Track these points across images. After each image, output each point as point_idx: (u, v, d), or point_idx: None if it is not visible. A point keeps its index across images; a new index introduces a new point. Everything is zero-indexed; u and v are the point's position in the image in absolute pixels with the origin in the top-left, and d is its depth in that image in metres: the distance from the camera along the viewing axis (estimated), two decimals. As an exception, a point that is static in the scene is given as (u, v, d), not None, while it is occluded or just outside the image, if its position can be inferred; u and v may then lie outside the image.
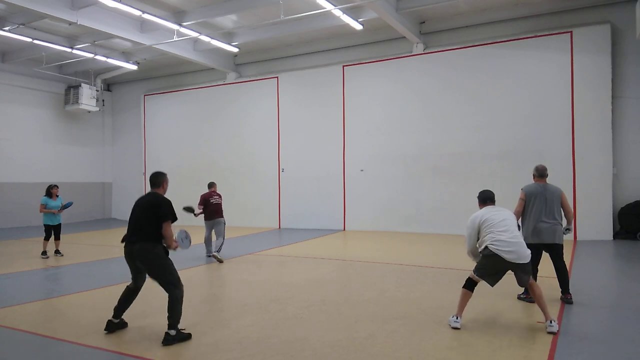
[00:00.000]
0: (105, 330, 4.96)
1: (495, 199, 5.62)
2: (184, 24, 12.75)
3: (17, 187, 16.92)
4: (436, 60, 13.70)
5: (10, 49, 16.22)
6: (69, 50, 14.81)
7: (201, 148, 17.81)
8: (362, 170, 14.61)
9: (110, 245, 12.48)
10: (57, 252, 10.44)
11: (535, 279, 6.30)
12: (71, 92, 17.98)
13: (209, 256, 9.85)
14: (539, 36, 12.41)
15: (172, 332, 4.70)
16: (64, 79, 18.16)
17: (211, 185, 10.73)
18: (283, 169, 16.19)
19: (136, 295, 5.16)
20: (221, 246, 9.69)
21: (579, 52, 11.91)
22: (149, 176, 5.28)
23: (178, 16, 12.82)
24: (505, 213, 5.34)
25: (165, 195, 5.19)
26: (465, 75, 13.27)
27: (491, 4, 12.75)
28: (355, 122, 14.87)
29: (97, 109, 18.64)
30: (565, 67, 12.08)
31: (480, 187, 14.40)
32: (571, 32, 12.02)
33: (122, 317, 5.15)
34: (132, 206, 5.12)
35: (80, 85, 17.81)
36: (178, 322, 4.77)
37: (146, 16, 11.86)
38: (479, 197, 5.58)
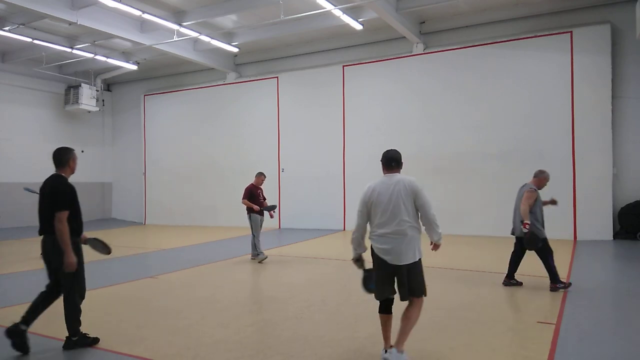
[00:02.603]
0: (10, 340, 4.35)
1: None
2: (184, 24, 12.75)
3: (17, 187, 16.88)
4: (436, 60, 13.70)
5: (10, 49, 16.21)
6: (69, 50, 14.81)
7: (201, 148, 17.81)
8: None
9: (110, 245, 12.45)
10: None
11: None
12: (71, 92, 17.98)
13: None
14: (539, 36, 12.41)
15: (74, 338, 4.49)
16: (64, 79, 18.16)
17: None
18: (283, 169, 16.18)
19: (52, 299, 4.61)
20: (253, 247, 9.51)
21: (579, 52, 11.91)
22: (53, 153, 4.66)
23: (178, 16, 12.82)
24: (398, 190, 3.97)
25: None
26: (465, 75, 13.27)
27: (491, 4, 12.75)
28: (355, 122, 14.87)
29: (97, 109, 18.63)
30: (565, 67, 12.08)
31: (480, 187, 14.52)
32: (571, 32, 12.02)
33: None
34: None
35: (80, 85, 17.81)
36: (78, 326, 4.51)
37: (146, 16, 11.86)
38: (381, 159, 4.25)
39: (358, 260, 4.23)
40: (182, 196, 18.14)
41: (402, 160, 4.20)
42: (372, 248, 4.11)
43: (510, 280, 6.94)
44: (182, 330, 5.05)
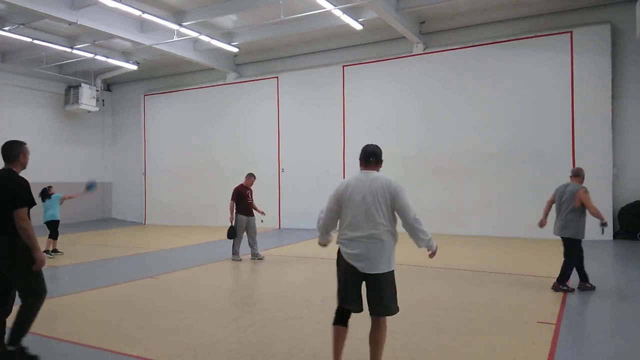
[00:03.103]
0: None
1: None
2: (184, 24, 12.75)
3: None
4: (436, 60, 13.70)
5: (10, 49, 16.21)
6: (69, 50, 14.81)
7: (201, 148, 17.82)
8: None
9: (110, 245, 12.48)
10: (54, 251, 10.50)
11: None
12: (71, 92, 17.98)
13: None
14: (539, 36, 12.41)
15: (12, 348, 3.93)
16: (64, 79, 18.16)
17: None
18: (283, 169, 16.18)
19: (6, 310, 4.18)
20: (250, 247, 9.75)
21: (579, 52, 11.91)
22: (1, 147, 4.17)
23: (178, 16, 12.82)
24: (374, 189, 3.56)
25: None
26: (465, 75, 13.27)
27: (491, 4, 12.75)
28: (355, 122, 14.86)
29: (97, 109, 18.64)
30: (565, 67, 12.08)
31: (480, 187, 14.52)
32: (571, 32, 12.03)
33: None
34: None
35: (80, 85, 17.81)
36: (23, 337, 4.00)
37: (146, 16, 11.86)
38: (360, 155, 3.83)
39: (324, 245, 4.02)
40: (182, 196, 18.14)
41: (383, 158, 3.81)
42: (339, 254, 3.69)
43: (585, 284, 6.61)
44: (182, 330, 5.05)
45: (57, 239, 10.53)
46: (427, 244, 3.64)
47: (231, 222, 9.61)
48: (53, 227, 10.38)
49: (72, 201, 11.02)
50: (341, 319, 3.68)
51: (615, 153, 11.78)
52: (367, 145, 3.83)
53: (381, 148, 3.87)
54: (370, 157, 3.74)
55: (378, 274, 3.52)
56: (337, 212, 3.69)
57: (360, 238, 3.53)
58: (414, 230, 3.59)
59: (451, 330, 4.95)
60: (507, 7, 12.80)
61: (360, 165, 3.80)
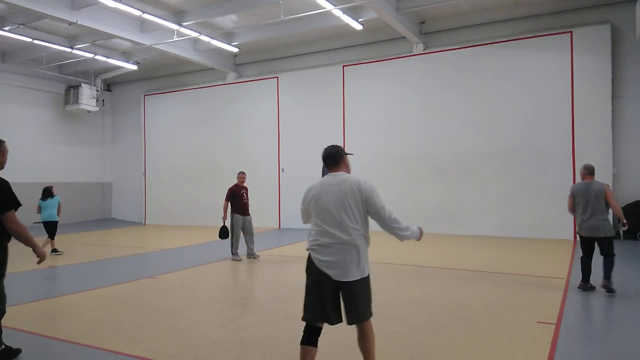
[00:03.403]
0: None
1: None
2: (184, 24, 12.76)
3: (16, 187, 16.75)
4: (436, 60, 13.70)
5: (10, 49, 16.21)
6: (69, 50, 14.82)
7: (201, 148, 17.82)
8: None
9: (110, 245, 12.48)
10: (54, 251, 10.51)
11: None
12: (71, 92, 17.99)
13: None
14: (539, 36, 12.41)
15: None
16: (64, 79, 18.16)
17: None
18: (283, 169, 16.18)
19: (1, 313, 4.07)
20: (247, 246, 9.86)
21: (579, 52, 11.92)
22: None
23: (178, 16, 12.83)
24: (344, 192, 3.37)
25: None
26: (465, 75, 13.27)
27: (491, 4, 12.75)
28: (355, 122, 14.87)
29: (97, 109, 18.64)
30: (565, 67, 12.08)
31: (480, 187, 14.50)
32: (571, 32, 12.03)
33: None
34: None
35: (80, 85, 17.82)
36: None
37: (146, 16, 11.87)
38: (322, 156, 3.64)
39: None
40: (182, 196, 18.14)
41: (344, 155, 3.62)
42: (309, 260, 3.50)
43: (586, 284, 6.66)
44: (182, 330, 5.05)
45: (54, 238, 10.54)
46: (410, 238, 3.52)
47: (223, 222, 9.65)
48: (51, 227, 10.38)
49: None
50: (310, 339, 3.37)
51: (615, 153, 11.78)
52: (325, 148, 3.66)
53: (340, 145, 3.73)
54: (329, 161, 3.58)
55: (352, 281, 3.31)
56: (309, 215, 3.64)
57: (334, 244, 3.34)
58: (392, 231, 3.47)
59: (451, 330, 4.95)
60: (507, 7, 12.81)
61: (327, 167, 3.65)
